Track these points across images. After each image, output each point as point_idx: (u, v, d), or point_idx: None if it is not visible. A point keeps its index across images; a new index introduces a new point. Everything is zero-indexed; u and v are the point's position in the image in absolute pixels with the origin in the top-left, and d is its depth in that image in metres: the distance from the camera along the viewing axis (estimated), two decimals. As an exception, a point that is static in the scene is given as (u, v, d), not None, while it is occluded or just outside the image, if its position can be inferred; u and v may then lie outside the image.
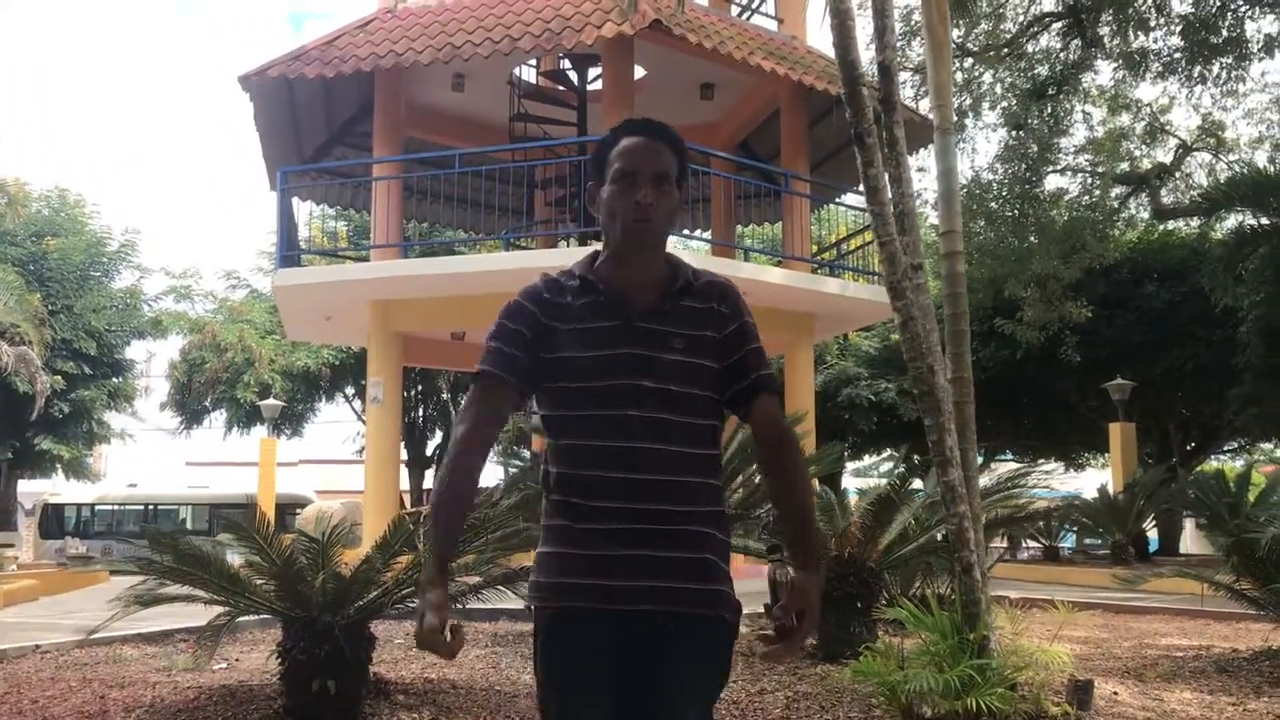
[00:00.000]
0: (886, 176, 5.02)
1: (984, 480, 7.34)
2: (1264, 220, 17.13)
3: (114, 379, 27.30)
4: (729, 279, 2.17)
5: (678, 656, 1.95)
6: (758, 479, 7.67)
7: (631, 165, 2.04)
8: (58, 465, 27.37)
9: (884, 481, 10.39)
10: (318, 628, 4.93)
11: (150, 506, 32.42)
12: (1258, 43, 16.00)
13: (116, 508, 32.55)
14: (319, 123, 14.61)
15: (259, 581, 5.18)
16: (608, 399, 1.97)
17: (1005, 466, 24.74)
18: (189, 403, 26.99)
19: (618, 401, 1.97)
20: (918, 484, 9.16)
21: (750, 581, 11.85)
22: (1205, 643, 8.07)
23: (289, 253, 13.14)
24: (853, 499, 8.97)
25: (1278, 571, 6.66)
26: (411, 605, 5.71)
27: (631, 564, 1.93)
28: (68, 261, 25.84)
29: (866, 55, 7.88)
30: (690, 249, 17.35)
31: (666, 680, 1.94)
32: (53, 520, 30.34)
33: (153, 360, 29.84)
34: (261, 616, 6.64)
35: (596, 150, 2.13)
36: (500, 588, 5.59)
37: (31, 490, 31.36)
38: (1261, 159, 19.42)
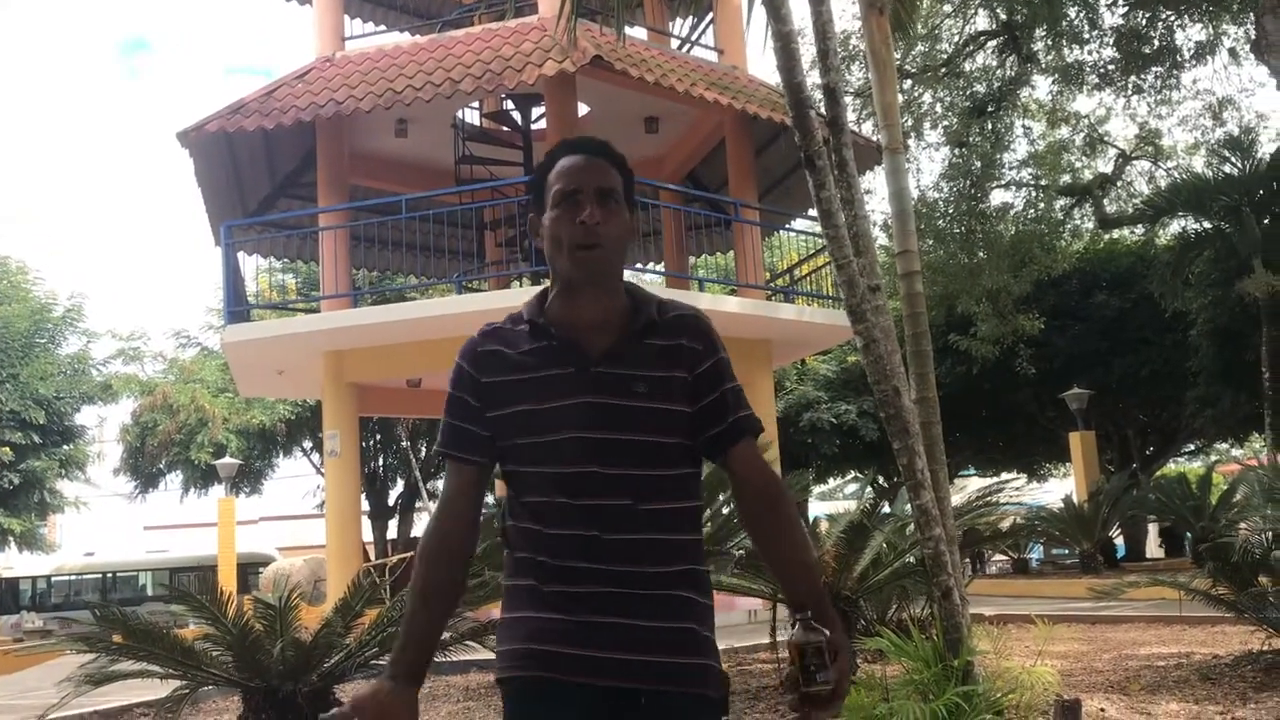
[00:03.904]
0: (839, 199, 4.95)
1: (954, 499, 7.27)
2: (1206, 224, 17.41)
3: (65, 447, 26.74)
4: (699, 310, 1.95)
5: None
6: (726, 510, 7.55)
7: (573, 184, 1.84)
8: (10, 539, 26.70)
9: (851, 506, 10.33)
10: (280, 697, 4.74)
11: (109, 575, 31.72)
12: (1188, 50, 16.29)
13: (74, 578, 31.83)
14: (261, 175, 14.43)
15: (215, 652, 4.97)
16: (566, 455, 1.79)
17: (969, 482, 24.84)
18: (143, 466, 26.44)
19: (578, 457, 1.78)
20: (885, 507, 9.08)
21: (720, 615, 11.75)
22: (1184, 650, 8.02)
23: (237, 308, 12.92)
24: (823, 525, 8.87)
25: (1253, 575, 6.63)
26: (377, 665, 5.53)
27: (606, 633, 1.75)
28: (11, 330, 25.33)
29: (809, 80, 7.88)
30: (645, 283, 17.31)
31: None
32: (7, 595, 29.63)
33: (104, 425, 29.29)
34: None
35: (534, 176, 1.93)
36: (469, 643, 5.41)
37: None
38: (1199, 164, 19.73)
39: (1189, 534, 18.78)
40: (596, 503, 1.78)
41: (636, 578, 1.77)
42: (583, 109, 13.15)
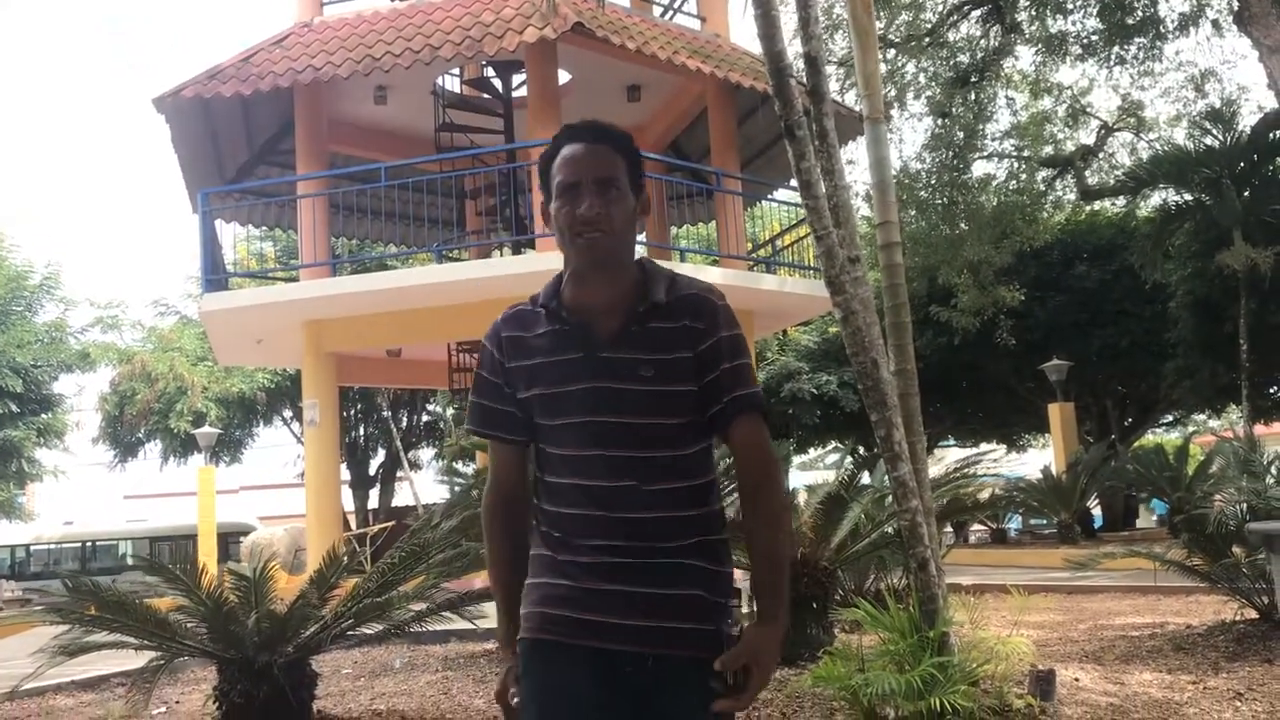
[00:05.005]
0: (819, 169, 4.91)
1: (933, 470, 7.29)
2: (1187, 196, 17.44)
3: (43, 415, 26.53)
4: (711, 288, 1.98)
5: (666, 701, 1.83)
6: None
7: (572, 176, 1.89)
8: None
9: (831, 476, 10.35)
10: (255, 668, 4.71)
11: (88, 544, 31.61)
12: (1172, 22, 16.26)
13: (53, 547, 31.71)
14: (239, 142, 14.27)
15: (190, 624, 4.94)
16: (575, 437, 1.88)
17: (949, 453, 24.96)
18: (122, 435, 26.31)
19: (585, 440, 1.87)
20: (865, 478, 9.10)
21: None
22: (1159, 620, 8.09)
23: (214, 276, 12.81)
24: (801, 496, 8.88)
25: (1227, 546, 6.68)
26: (354, 635, 5.52)
27: (613, 599, 1.83)
28: (-14, 297, 25.09)
29: (792, 49, 7.82)
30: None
31: None
32: (-15, 564, 29.49)
33: (82, 394, 29.06)
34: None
35: (540, 165, 1.98)
36: (446, 614, 5.39)
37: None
38: (1180, 136, 19.74)
39: (1150, 503, 18.94)
40: (603, 484, 1.86)
41: (644, 550, 1.85)
42: (564, 76, 13.04)
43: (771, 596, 1.89)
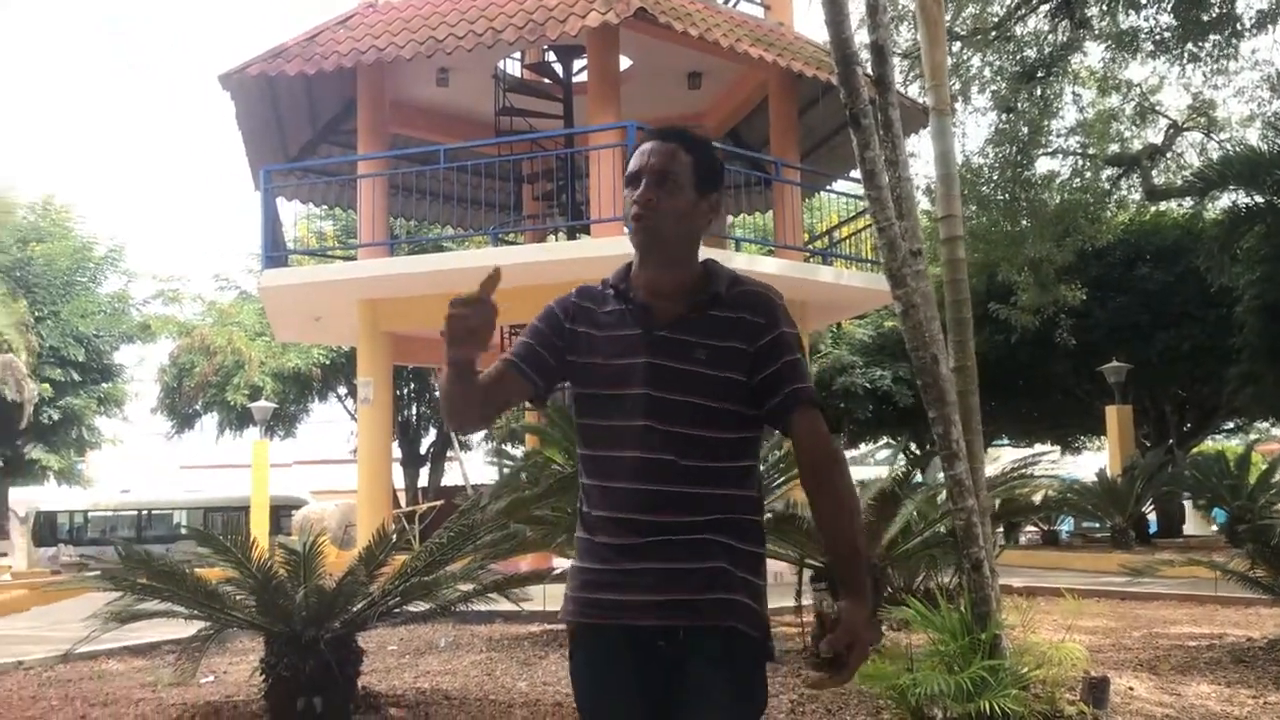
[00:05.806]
0: (883, 159, 4.83)
1: (988, 470, 7.17)
2: (1258, 199, 16.99)
3: (104, 384, 27.08)
4: (769, 287, 2.06)
5: (696, 671, 1.91)
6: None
7: (635, 166, 2.03)
8: (49, 473, 27.12)
9: (883, 472, 10.24)
10: (302, 642, 4.74)
11: (144, 512, 32.15)
12: (1249, 19, 15.83)
13: (110, 514, 32.26)
14: (303, 121, 14.40)
15: (239, 596, 4.98)
16: (623, 409, 1.97)
17: (1003, 452, 24.65)
18: (180, 406, 26.76)
19: (632, 412, 1.96)
20: (917, 475, 8.99)
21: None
22: (1217, 630, 7.91)
23: (275, 253, 12.95)
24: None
25: (1292, 558, 6.51)
26: (400, 613, 5.55)
27: (643, 578, 1.92)
28: (53, 267, 25.60)
29: (857, 38, 7.71)
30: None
31: (687, 696, 1.92)
32: (45, 528, 30.07)
33: (142, 365, 29.59)
34: (248, 628, 6.43)
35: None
36: (492, 595, 5.39)
37: (23, 497, 31.07)
38: (1254, 137, 19.26)
39: (1212, 511, 18.51)
40: (643, 456, 1.93)
41: (671, 526, 1.92)
42: (625, 62, 12.99)
43: (852, 579, 1.96)
